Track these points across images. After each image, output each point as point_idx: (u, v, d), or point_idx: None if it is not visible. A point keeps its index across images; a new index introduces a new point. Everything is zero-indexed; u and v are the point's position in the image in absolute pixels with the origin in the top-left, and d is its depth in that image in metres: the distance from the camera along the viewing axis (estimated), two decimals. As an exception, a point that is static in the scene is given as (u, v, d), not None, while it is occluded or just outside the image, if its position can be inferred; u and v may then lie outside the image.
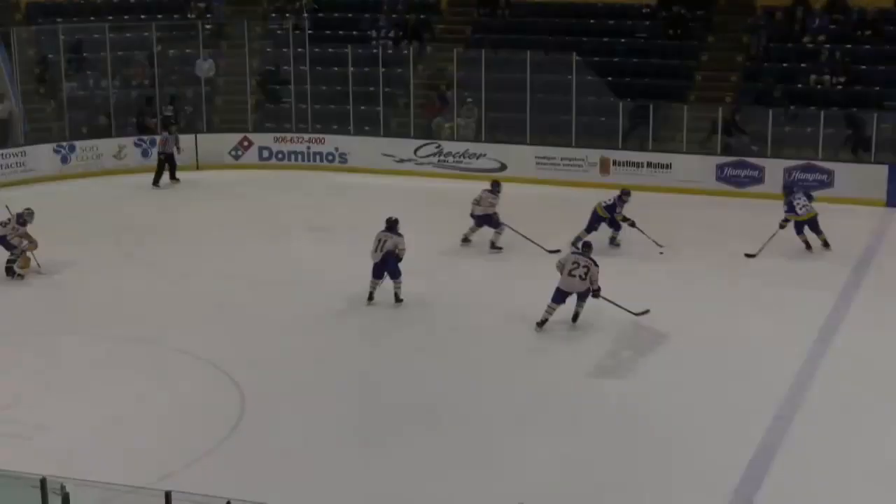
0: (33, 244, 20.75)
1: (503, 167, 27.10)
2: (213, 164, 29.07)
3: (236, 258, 21.70)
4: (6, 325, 18.64)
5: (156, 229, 24.11)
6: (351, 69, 29.73)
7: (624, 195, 22.10)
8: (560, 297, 17.83)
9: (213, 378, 16.39)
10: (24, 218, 20.70)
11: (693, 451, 14.19)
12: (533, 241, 21.74)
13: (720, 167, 26.75)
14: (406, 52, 29.99)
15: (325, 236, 23.17)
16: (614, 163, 27.37)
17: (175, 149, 27.64)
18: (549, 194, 25.21)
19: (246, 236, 23.09)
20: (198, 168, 28.95)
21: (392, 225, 19.16)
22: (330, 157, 29.18)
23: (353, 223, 23.39)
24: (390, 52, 30.17)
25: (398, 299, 19.10)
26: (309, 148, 29.37)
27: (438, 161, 28.52)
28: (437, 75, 30.37)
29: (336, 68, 30.13)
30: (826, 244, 22.05)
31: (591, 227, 21.96)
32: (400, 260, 18.99)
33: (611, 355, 16.92)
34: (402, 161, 28.60)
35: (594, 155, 27.55)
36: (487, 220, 22.13)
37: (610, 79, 28.70)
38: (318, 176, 27.88)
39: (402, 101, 29.84)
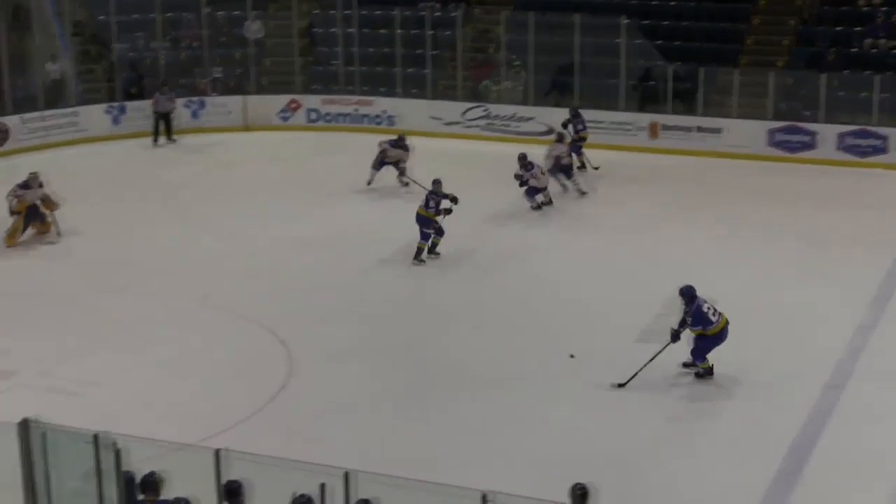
0: (53, 205, 20.68)
1: (550, 131, 26.96)
2: (262, 126, 29.12)
3: (284, 219, 21.76)
4: (56, 284, 18.84)
5: (205, 189, 24.22)
6: (399, 31, 29.64)
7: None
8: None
9: (261, 338, 16.51)
10: (27, 183, 20.54)
11: (741, 417, 14.16)
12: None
13: (771, 132, 26.50)
14: (454, 14, 29.86)
15: (373, 198, 23.18)
16: (663, 127, 27.17)
17: (165, 105, 27.68)
18: (596, 158, 25.04)
19: (294, 197, 23.15)
20: (247, 129, 29.01)
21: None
22: (378, 120, 29.15)
23: (399, 185, 23.44)
24: (438, 14, 30.04)
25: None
26: (357, 110, 29.35)
27: (486, 124, 28.42)
28: (485, 38, 30.23)
29: (383, 30, 30.04)
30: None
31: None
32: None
33: (658, 320, 16.86)
34: (449, 124, 28.52)
35: (643, 119, 27.36)
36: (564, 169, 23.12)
37: (659, 42, 28.44)
38: (365, 138, 27.83)
39: (449, 63, 29.74)
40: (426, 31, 29.47)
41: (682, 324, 14.82)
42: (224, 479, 9.93)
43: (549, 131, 25.37)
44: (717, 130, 26.80)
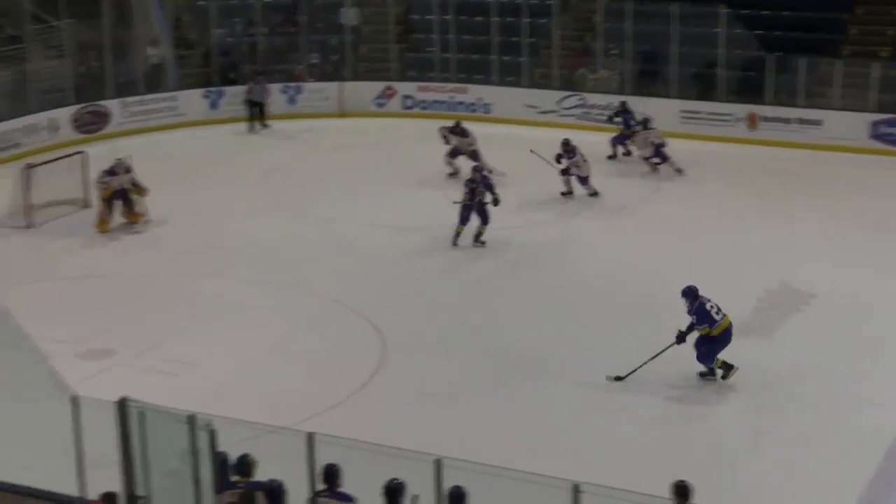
0: (142, 191, 20.80)
1: (647, 120, 26.73)
2: (358, 112, 29.26)
3: (379, 206, 21.84)
4: (155, 267, 19.10)
5: (300, 175, 24.39)
6: (495, 19, 29.56)
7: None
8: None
9: (354, 324, 16.59)
10: (113, 169, 20.70)
11: (824, 414, 13.94)
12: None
13: (874, 124, 26.00)
14: (550, 1, 29.70)
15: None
16: (762, 118, 26.79)
17: (259, 94, 27.82)
18: (693, 149, 24.82)
19: (388, 184, 23.21)
20: (342, 115, 29.15)
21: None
22: (472, 108, 29.12)
23: (496, 174, 23.35)
24: (535, 1, 29.90)
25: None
26: (452, 97, 29.36)
27: (582, 113, 28.25)
28: (582, 26, 30.04)
29: (480, 18, 29.99)
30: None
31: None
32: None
33: (753, 314, 16.62)
34: (544, 112, 28.40)
35: (741, 110, 27.00)
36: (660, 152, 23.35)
37: (759, 32, 28.04)
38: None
39: (545, 51, 29.60)
40: (522, 18, 29.36)
41: (690, 326, 14.48)
42: (317, 463, 9.98)
43: (645, 121, 25.12)
44: (818, 122, 26.36)
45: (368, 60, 30.74)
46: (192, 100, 28.66)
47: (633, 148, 24.89)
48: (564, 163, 22.10)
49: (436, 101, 29.39)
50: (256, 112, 27.93)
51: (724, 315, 14.46)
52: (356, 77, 30.07)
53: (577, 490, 8.82)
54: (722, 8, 27.59)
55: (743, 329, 15.63)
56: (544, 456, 12.61)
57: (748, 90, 27.57)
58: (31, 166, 21.25)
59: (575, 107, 28.25)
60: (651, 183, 23.17)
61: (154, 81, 28.95)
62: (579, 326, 16.46)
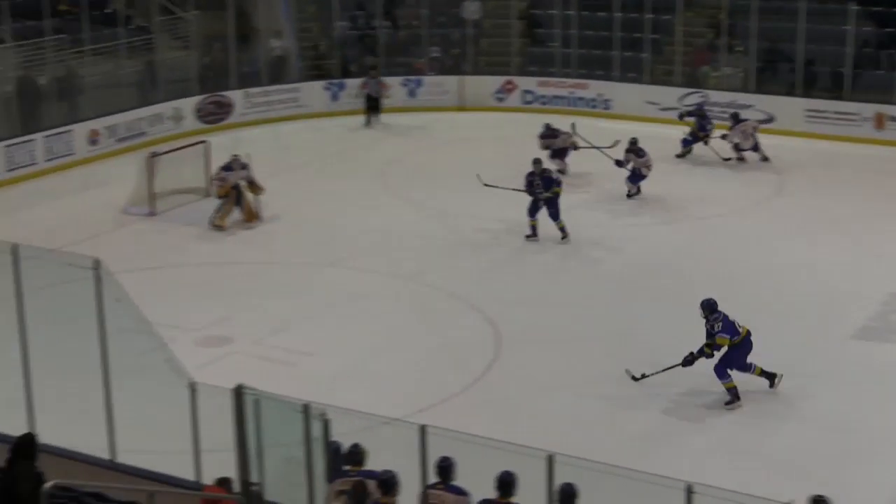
0: (257, 189, 20.83)
1: (770, 119, 26.28)
2: (477, 106, 29.25)
3: (495, 199, 21.75)
4: (273, 256, 19.32)
5: (418, 168, 24.48)
6: (618, 14, 29.32)
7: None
8: None
9: (470, 317, 16.59)
10: (230, 165, 20.79)
11: None
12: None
13: None
14: (675, -3, 29.38)
15: (582, 183, 22.97)
16: (890, 118, 26.16)
17: (379, 92, 27.78)
18: (818, 149, 24.35)
19: (505, 178, 23.06)
20: (462, 109, 29.18)
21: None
22: (592, 103, 28.93)
23: (611, 171, 23.15)
24: (659, -4, 29.61)
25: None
26: (572, 93, 29.20)
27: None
28: (707, 22, 29.63)
29: (602, 13, 29.76)
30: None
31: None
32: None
33: (879, 317, 16.24)
34: (665, 109, 28.08)
35: (868, 109, 26.40)
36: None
37: (890, 30, 27.38)
38: (579, 121, 27.64)
39: (667, 47, 29.28)
40: (645, 14, 29.06)
41: (709, 335, 14.03)
42: (430, 455, 9.98)
43: (769, 119, 24.73)
44: (951, 123, 25.67)
45: (489, 54, 30.71)
46: (314, 91, 28.94)
47: (734, 140, 24.29)
48: (631, 163, 21.78)
49: (555, 97, 29.26)
50: (373, 106, 28.01)
51: (742, 327, 14.15)
52: (476, 71, 30.06)
53: (690, 490, 8.69)
54: (851, 4, 27.00)
55: (865, 332, 15.33)
56: (658, 455, 12.47)
57: (876, 89, 26.94)
58: (155, 155, 21.64)
59: (696, 104, 27.86)
60: (771, 182, 22.74)
61: (276, 73, 29.30)
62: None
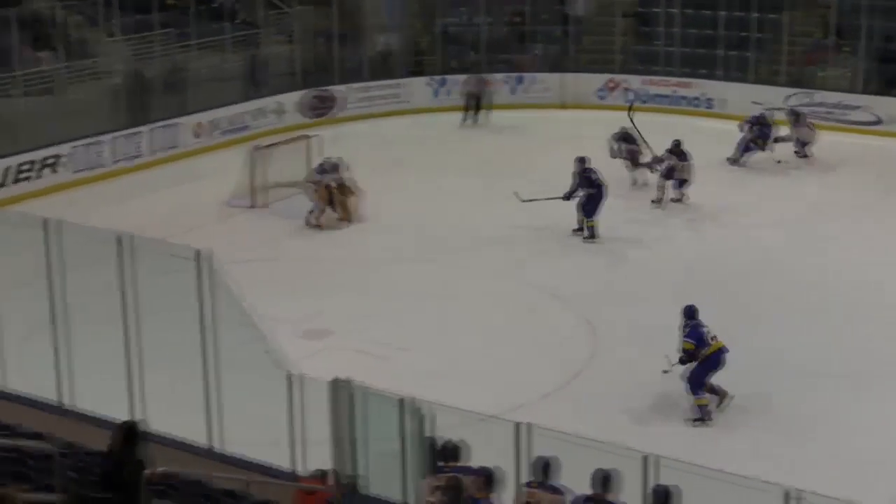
0: (349, 192, 20.84)
1: (878, 121, 25.80)
2: (579, 104, 29.11)
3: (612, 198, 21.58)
4: (372, 251, 19.41)
5: (518, 165, 24.39)
6: (723, 13, 28.97)
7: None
8: None
9: (568, 315, 16.53)
10: (324, 167, 20.86)
11: None
12: None
13: None
14: (783, -4, 28.97)
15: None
16: None
17: (478, 86, 27.59)
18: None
19: (606, 177, 22.88)
20: (563, 107, 29.06)
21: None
22: (695, 102, 28.63)
23: (713, 170, 22.95)
24: (764, -5, 29.21)
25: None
26: (675, 92, 28.93)
27: (810, 111, 27.39)
28: (816, 21, 29.15)
29: (708, 11, 29.45)
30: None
31: None
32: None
33: None
34: (770, 109, 27.65)
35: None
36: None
37: None
38: (682, 120, 27.41)
39: (774, 46, 28.86)
40: (752, 13, 28.70)
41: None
42: (525, 452, 9.97)
43: (878, 121, 24.29)
44: None
45: (592, 52, 30.54)
46: (416, 87, 29.04)
47: (801, 136, 24.00)
48: (665, 163, 21.52)
49: (658, 95, 29.02)
50: (473, 104, 27.94)
51: (716, 339, 13.82)
52: (579, 69, 29.91)
53: (788, 497, 8.57)
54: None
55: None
56: (756, 460, 12.30)
57: None
58: (258, 148, 21.88)
59: (802, 104, 27.42)
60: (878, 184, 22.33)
61: (380, 68, 29.43)
62: (805, 329, 15.99)
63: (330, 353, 15.20)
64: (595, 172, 19.92)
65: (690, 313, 14.06)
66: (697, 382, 13.76)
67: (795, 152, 24.04)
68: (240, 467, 11.42)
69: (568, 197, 19.77)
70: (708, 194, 21.61)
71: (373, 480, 11.37)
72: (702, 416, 13.65)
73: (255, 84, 27.41)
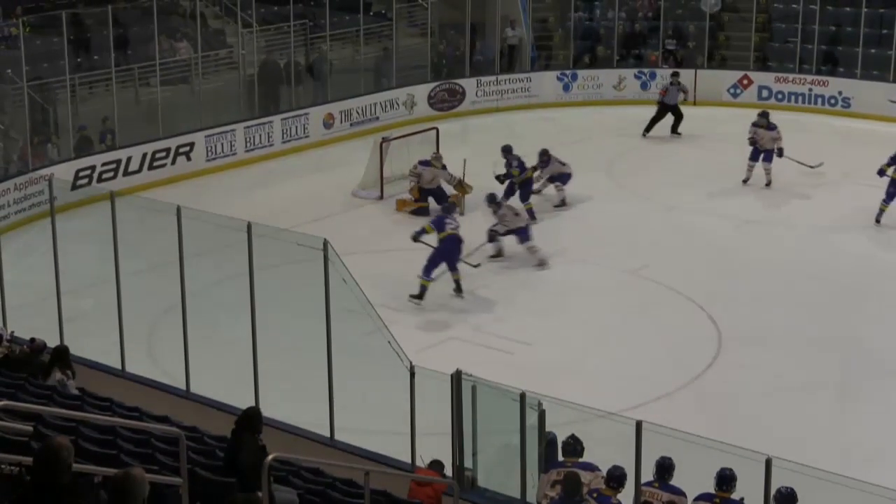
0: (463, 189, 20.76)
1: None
2: (710, 101, 28.65)
3: (724, 196, 21.34)
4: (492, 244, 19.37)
5: (645, 161, 24.16)
6: (864, 9, 28.28)
7: None
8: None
9: (693, 314, 16.33)
10: (429, 161, 20.81)
11: None
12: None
13: None
14: (928, -9, 28.16)
15: (816, 182, 22.27)
16: None
17: (674, 96, 26.78)
18: None
19: (735, 175, 22.59)
20: (694, 104, 28.65)
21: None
22: (832, 101, 27.99)
23: (848, 170, 22.44)
24: (910, -9, 28.43)
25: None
26: (810, 90, 28.31)
27: (950, 111, 26.68)
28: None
29: (848, 8, 28.78)
30: None
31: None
32: None
33: None
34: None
35: None
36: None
37: None
38: (816, 119, 26.85)
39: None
40: (894, 9, 27.95)
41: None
42: (644, 451, 9.88)
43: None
44: None
45: (726, 48, 30.09)
46: (546, 82, 28.92)
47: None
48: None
49: (792, 93, 28.44)
50: (662, 115, 25.97)
51: (456, 230, 16.74)
52: (711, 65, 29.50)
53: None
54: None
55: None
56: (883, 465, 12.01)
57: None
58: (386, 140, 22.01)
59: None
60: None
61: (510, 62, 29.41)
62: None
63: (451, 346, 15.27)
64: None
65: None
66: (430, 266, 16.58)
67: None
68: (358, 456, 11.53)
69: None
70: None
71: (490, 473, 11.39)
72: (420, 295, 16.33)
73: (386, 76, 27.59)
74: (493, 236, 18.34)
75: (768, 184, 21.73)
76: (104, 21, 22.74)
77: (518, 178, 20.32)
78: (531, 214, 19.72)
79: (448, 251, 16.63)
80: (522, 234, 18.26)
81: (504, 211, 18.47)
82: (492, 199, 18.53)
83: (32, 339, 12.87)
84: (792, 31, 29.30)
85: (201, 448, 9.63)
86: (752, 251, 18.82)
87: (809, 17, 28.88)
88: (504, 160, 20.66)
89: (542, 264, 18.13)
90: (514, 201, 19.72)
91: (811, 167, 21.85)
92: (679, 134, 25.90)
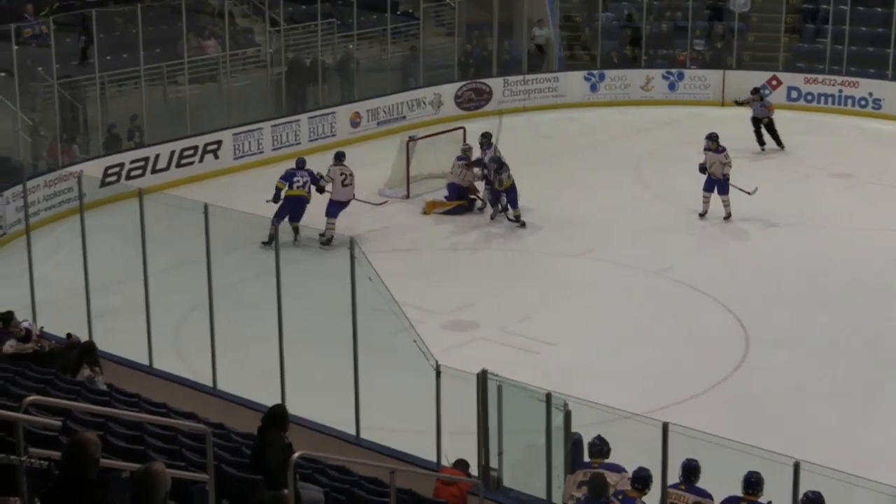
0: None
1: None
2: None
3: (751, 197, 21.21)
4: (522, 244, 19.36)
5: (671, 162, 24.05)
6: (896, 10, 28.11)
7: None
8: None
9: (719, 316, 16.26)
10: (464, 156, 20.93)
11: None
12: None
13: None
14: (962, -9, 27.91)
15: (846, 183, 22.16)
16: None
17: (761, 111, 26.18)
18: None
19: (766, 176, 22.49)
20: (722, 104, 28.54)
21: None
22: (862, 102, 27.81)
23: (878, 172, 22.31)
24: (943, -10, 28.19)
25: None
26: (840, 91, 28.14)
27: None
28: None
29: (880, 8, 28.59)
30: None
31: None
32: None
33: None
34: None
35: None
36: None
37: None
38: (846, 121, 26.70)
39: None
40: (929, 10, 27.75)
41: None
42: (670, 453, 9.85)
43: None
44: None
45: (755, 49, 29.95)
46: (573, 82, 28.85)
47: None
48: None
49: (822, 95, 28.28)
50: (757, 129, 25.09)
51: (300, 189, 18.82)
52: (740, 66, 29.37)
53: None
54: None
55: None
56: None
57: None
58: (413, 139, 22.01)
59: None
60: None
61: (537, 62, 29.34)
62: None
63: (477, 345, 15.25)
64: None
65: (301, 162, 19.54)
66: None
67: None
68: (384, 455, 11.53)
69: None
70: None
71: (515, 473, 11.37)
72: (269, 241, 17.27)
73: (413, 75, 27.59)
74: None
75: (727, 217, 20.09)
76: (133, 19, 22.82)
77: (502, 186, 19.94)
78: (520, 222, 19.88)
79: (293, 206, 18.84)
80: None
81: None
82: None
83: (69, 335, 12.99)
84: (823, 32, 29.13)
85: (228, 445, 9.63)
86: (780, 253, 18.73)
87: (839, 18, 28.70)
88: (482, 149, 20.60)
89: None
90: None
91: (748, 193, 20.27)
92: (782, 147, 24.66)
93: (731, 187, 20.06)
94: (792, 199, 21.26)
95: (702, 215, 20.28)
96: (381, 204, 20.72)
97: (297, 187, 19.08)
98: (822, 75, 28.41)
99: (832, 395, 14.03)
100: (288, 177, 19.19)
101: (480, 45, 29.12)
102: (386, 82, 26.93)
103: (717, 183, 20.15)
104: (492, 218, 20.13)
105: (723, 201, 20.14)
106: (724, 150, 20.38)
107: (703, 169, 20.37)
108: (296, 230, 18.81)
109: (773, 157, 24.05)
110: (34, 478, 6.74)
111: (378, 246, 18.07)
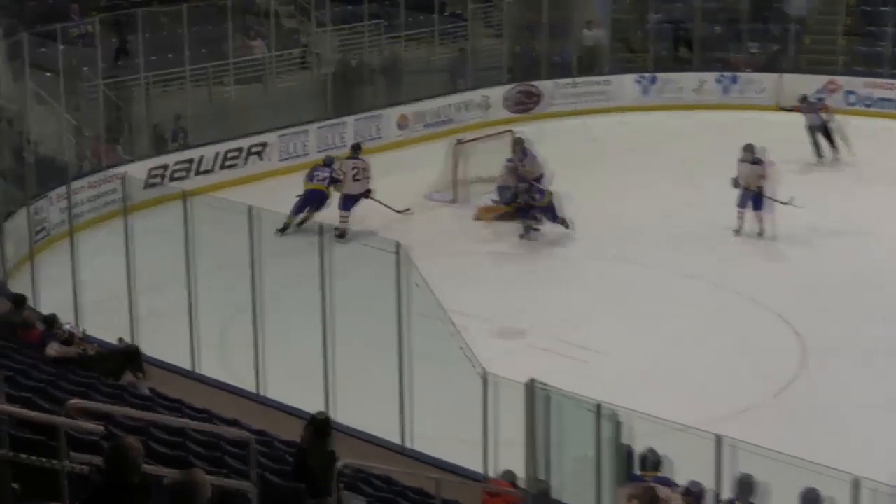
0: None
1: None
2: (795, 107, 28.11)
3: (804, 208, 20.80)
4: (572, 250, 19.11)
5: (725, 167, 23.63)
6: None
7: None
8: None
9: (773, 325, 15.94)
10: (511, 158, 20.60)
11: None
12: None
13: None
14: None
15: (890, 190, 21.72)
16: None
17: (815, 119, 25.59)
18: None
19: (818, 182, 22.08)
20: (777, 109, 28.13)
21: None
22: (921, 107, 27.34)
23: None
24: None
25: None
26: (901, 95, 27.67)
27: None
28: None
29: (944, 10, 28.11)
30: None
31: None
32: None
33: None
34: None
35: None
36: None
37: None
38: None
39: None
40: None
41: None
42: (724, 467, 9.57)
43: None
44: None
45: (812, 52, 29.49)
46: (624, 84, 28.53)
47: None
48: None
49: (881, 99, 27.77)
50: (822, 139, 24.29)
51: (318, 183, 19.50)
52: (797, 69, 28.90)
53: None
54: None
55: None
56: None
57: None
58: (461, 142, 21.81)
59: None
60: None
61: (588, 64, 29.03)
62: None
63: (525, 353, 15.00)
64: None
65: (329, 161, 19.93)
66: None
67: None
68: (429, 465, 11.33)
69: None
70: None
71: (564, 486, 11.11)
72: (283, 229, 18.77)
73: (461, 77, 27.38)
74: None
75: (760, 233, 19.34)
76: (179, 19, 22.76)
77: (541, 202, 19.58)
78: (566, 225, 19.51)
79: (311, 200, 19.55)
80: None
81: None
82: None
83: (120, 339, 13.10)
84: (882, 35, 28.64)
85: (271, 453, 9.48)
86: (835, 262, 18.34)
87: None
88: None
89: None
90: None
91: (787, 204, 19.28)
92: (837, 151, 23.91)
93: (769, 201, 19.20)
94: (847, 208, 20.83)
95: (737, 231, 19.51)
96: (402, 212, 20.32)
97: (317, 181, 19.76)
98: (882, 79, 27.93)
99: (890, 408, 13.65)
100: (311, 172, 19.99)
101: (529, 46, 28.87)
102: (433, 84, 26.72)
103: (753, 197, 19.41)
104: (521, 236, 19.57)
105: (757, 217, 19.35)
106: (761, 161, 19.60)
107: (736, 183, 19.51)
108: (307, 219, 19.30)
109: (831, 163, 23.63)
110: (76, 483, 6.65)
111: (425, 251, 17.78)
